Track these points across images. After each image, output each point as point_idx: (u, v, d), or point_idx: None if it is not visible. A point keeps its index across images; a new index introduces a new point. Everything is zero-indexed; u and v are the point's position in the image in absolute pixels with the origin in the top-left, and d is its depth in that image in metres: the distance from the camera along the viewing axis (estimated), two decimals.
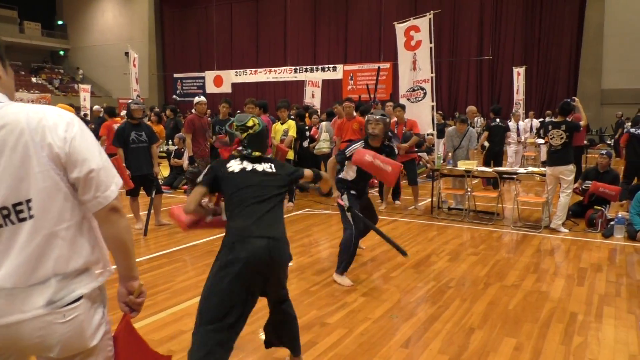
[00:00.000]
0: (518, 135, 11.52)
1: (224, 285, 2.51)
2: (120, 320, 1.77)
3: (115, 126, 7.70)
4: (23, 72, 34.41)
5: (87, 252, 1.59)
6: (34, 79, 34.02)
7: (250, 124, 2.92)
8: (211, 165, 2.89)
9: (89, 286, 1.60)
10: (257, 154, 2.88)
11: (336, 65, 23.58)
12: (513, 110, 13.92)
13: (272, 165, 2.88)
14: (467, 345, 3.39)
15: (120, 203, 1.62)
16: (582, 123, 7.06)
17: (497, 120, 10.08)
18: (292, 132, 8.51)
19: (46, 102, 17.91)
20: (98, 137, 12.98)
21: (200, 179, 2.81)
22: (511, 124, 11.55)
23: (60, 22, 36.93)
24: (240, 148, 2.91)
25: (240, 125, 2.93)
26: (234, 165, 2.81)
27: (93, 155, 1.55)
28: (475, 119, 21.29)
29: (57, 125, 1.51)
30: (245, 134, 2.91)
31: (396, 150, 7.64)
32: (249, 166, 2.81)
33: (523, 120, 12.92)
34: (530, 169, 7.96)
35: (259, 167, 2.82)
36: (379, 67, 14.16)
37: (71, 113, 1.60)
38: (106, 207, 1.56)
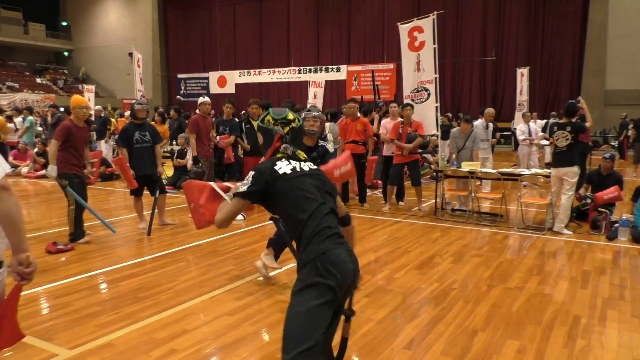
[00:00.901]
0: (529, 136, 11.26)
1: (315, 310, 2.17)
2: (14, 287, 2.02)
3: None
4: (28, 73, 34.54)
5: None
6: (38, 80, 34.13)
7: (291, 117, 2.62)
8: (255, 172, 2.43)
9: None
10: (301, 152, 2.56)
11: (340, 66, 23.60)
12: (524, 111, 13.68)
13: (313, 165, 2.55)
14: (470, 347, 3.39)
15: (8, 183, 1.87)
16: (587, 124, 7.04)
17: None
18: None
19: (50, 102, 17.98)
20: (101, 136, 13.06)
21: (244, 189, 2.39)
22: (522, 126, 11.35)
23: (64, 23, 37.06)
24: (284, 146, 2.55)
25: (280, 119, 2.62)
26: (284, 167, 2.41)
27: None
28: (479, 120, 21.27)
29: None
30: (288, 128, 2.60)
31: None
32: (297, 166, 2.45)
33: (535, 121, 12.49)
34: (534, 170, 7.93)
35: (305, 167, 2.47)
36: (372, 71, 14.14)
37: None
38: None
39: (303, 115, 4.43)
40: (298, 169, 2.42)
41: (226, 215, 2.44)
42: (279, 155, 2.54)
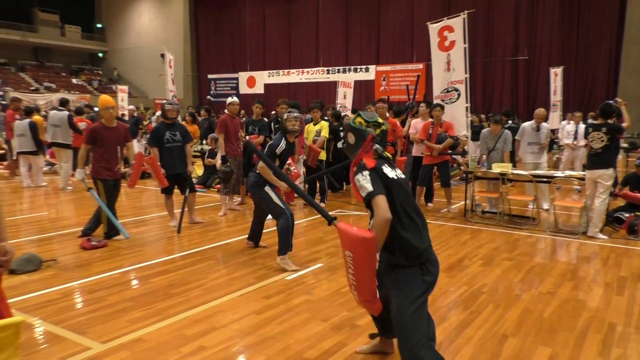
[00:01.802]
0: (575, 139, 10.47)
1: (423, 304, 2.62)
2: None
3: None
4: (64, 74, 35.57)
5: None
6: (74, 80, 35.10)
7: (380, 120, 2.80)
8: (370, 172, 2.58)
9: None
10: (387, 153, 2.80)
11: (369, 66, 23.50)
12: (571, 113, 12.91)
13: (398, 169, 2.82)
14: (500, 352, 3.32)
15: None
16: (624, 125, 6.83)
17: (510, 122, 9.84)
18: (325, 133, 8.53)
19: (85, 102, 18.50)
20: (133, 135, 13.32)
21: (372, 188, 2.53)
22: (570, 127, 10.87)
23: (99, 25, 38.02)
24: (376, 146, 2.75)
25: (372, 121, 2.79)
26: (388, 171, 2.67)
27: None
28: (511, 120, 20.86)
29: None
30: (379, 131, 2.78)
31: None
32: (396, 173, 2.71)
33: (582, 123, 11.61)
34: (567, 172, 7.74)
35: (399, 173, 2.75)
36: (418, 75, 13.91)
37: None
38: None
39: (285, 116, 5.19)
40: (396, 177, 2.69)
41: (384, 211, 2.51)
42: (375, 154, 2.74)
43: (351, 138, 2.82)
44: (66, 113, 10.70)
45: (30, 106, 11.78)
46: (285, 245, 5.01)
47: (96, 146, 5.95)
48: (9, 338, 1.65)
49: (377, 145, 2.75)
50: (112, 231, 6.07)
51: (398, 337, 2.63)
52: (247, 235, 5.94)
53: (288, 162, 5.61)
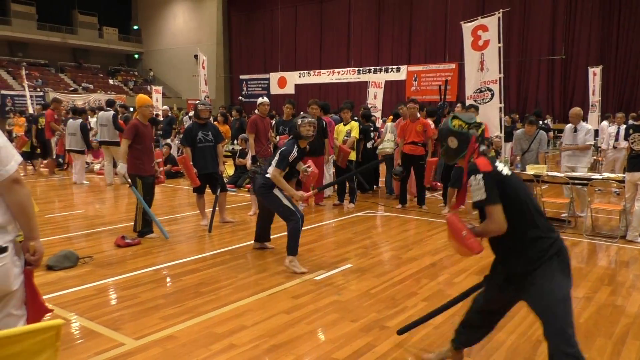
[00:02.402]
0: (617, 140, 9.89)
1: (569, 296, 2.59)
2: (25, 272, 2.16)
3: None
4: (101, 75, 36.57)
5: (1, 215, 2.01)
6: (111, 81, 36.05)
7: (478, 121, 2.82)
8: (484, 175, 2.54)
9: (6, 239, 2.02)
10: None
11: (400, 66, 23.35)
12: (617, 113, 12.41)
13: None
14: (534, 358, 3.25)
15: (20, 176, 2.04)
16: None
17: (540, 122, 9.56)
18: (355, 133, 8.51)
19: (121, 102, 19.00)
20: (167, 135, 13.61)
21: (486, 196, 2.52)
22: (612, 128, 10.43)
23: (135, 27, 38.92)
24: (483, 147, 2.79)
25: (472, 123, 2.78)
26: (503, 168, 2.63)
27: None
28: (547, 121, 20.37)
29: None
30: (480, 130, 2.78)
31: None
32: (509, 170, 2.68)
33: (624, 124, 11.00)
34: (605, 174, 7.51)
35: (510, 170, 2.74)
36: (446, 80, 13.81)
37: None
38: (8, 179, 1.97)
39: (299, 121, 5.04)
40: (510, 171, 2.64)
41: (499, 221, 2.54)
42: (484, 154, 2.71)
43: (453, 142, 2.79)
44: (112, 113, 11.04)
45: (82, 107, 12.24)
46: (294, 246, 4.94)
47: (135, 143, 6.09)
48: (49, 340, 1.70)
49: (483, 146, 2.76)
50: (145, 229, 6.20)
51: (558, 333, 2.49)
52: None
53: (307, 164, 5.54)
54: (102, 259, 5.37)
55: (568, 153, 7.67)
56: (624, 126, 9.63)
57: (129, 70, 39.27)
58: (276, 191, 4.94)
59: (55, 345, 1.71)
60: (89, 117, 13.65)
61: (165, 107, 15.76)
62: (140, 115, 6.24)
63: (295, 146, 5.02)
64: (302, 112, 6.00)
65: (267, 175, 4.95)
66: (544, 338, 2.60)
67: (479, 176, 2.54)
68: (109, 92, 31.90)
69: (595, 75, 16.07)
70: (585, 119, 11.79)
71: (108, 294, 4.40)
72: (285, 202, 4.93)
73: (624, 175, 6.59)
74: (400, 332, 3.39)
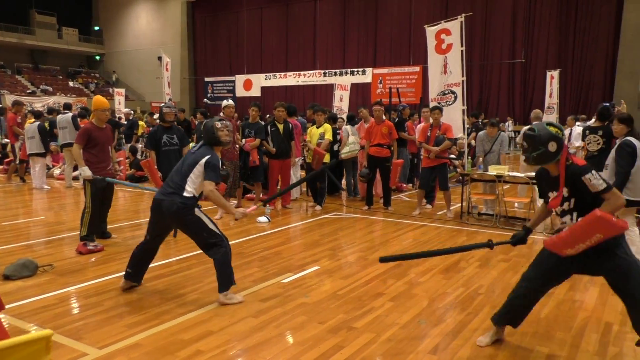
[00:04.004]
0: (569, 141, 10.53)
1: None
2: None
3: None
4: (61, 77, 35.55)
5: None
6: (71, 83, 35.08)
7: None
8: (593, 170, 2.99)
9: None
10: None
11: (365, 69, 23.55)
12: (574, 115, 12.84)
13: None
14: (497, 353, 3.33)
15: None
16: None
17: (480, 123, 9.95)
18: (328, 136, 8.55)
19: (82, 104, 18.48)
20: (129, 139, 13.34)
21: (607, 183, 2.96)
22: (566, 131, 10.78)
23: (96, 28, 38.02)
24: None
25: (560, 128, 3.13)
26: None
27: None
28: (507, 123, 20.93)
29: None
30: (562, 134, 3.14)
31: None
32: None
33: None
34: None
35: None
36: (396, 88, 14.03)
37: None
38: None
39: (218, 125, 4.19)
40: None
41: (622, 196, 3.01)
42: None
43: (553, 147, 3.09)
44: (70, 114, 10.75)
45: (39, 110, 11.88)
46: (227, 279, 4.12)
47: (88, 147, 5.85)
48: (39, 352, 1.62)
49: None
50: (91, 234, 5.88)
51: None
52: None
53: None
54: (63, 266, 5.22)
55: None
56: (575, 128, 10.06)
57: (89, 72, 38.30)
58: (198, 212, 4.09)
59: (47, 358, 1.64)
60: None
61: (127, 109, 15.43)
62: (96, 118, 5.98)
63: (213, 152, 4.19)
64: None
65: (187, 194, 4.04)
66: (625, 304, 3.12)
67: (593, 171, 2.98)
68: (68, 95, 31.03)
69: (553, 79, 16.62)
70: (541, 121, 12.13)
71: (70, 303, 4.28)
72: (210, 225, 4.10)
73: None
74: (382, 259, 3.65)
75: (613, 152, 5.31)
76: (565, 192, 3.12)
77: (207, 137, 4.21)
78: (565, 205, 3.15)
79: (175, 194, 4.06)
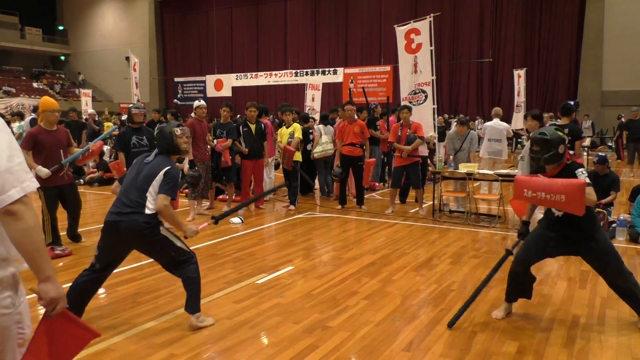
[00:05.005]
0: None
1: None
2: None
3: None
4: (24, 78, 34.51)
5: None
6: (35, 84, 34.09)
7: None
8: (585, 168, 3.54)
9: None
10: None
11: (337, 69, 23.62)
12: (549, 113, 13.25)
13: None
14: (469, 348, 3.38)
15: (22, 207, 1.64)
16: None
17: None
18: (298, 134, 8.53)
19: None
20: (92, 140, 13.03)
21: (588, 181, 3.50)
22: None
23: (60, 28, 37.06)
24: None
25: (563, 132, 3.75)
26: None
27: None
28: (477, 121, 21.30)
29: None
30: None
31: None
32: None
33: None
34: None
35: None
36: (362, 88, 14.14)
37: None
38: (4, 209, 1.61)
39: (177, 131, 3.72)
40: None
41: (593, 202, 3.57)
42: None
43: (562, 149, 3.57)
44: (29, 118, 10.45)
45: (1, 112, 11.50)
46: (199, 300, 3.70)
47: (35, 151, 5.48)
48: None
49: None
50: (57, 239, 5.73)
51: (616, 263, 3.63)
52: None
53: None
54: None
55: (489, 149, 8.32)
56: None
57: (54, 73, 37.30)
58: (163, 230, 3.62)
59: None
60: (11, 122, 12.90)
61: (92, 110, 15.06)
62: (45, 120, 5.57)
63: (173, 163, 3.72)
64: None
65: (148, 212, 3.51)
66: (608, 283, 3.73)
67: (583, 169, 3.58)
68: (32, 96, 30.14)
69: (520, 78, 16.99)
70: (510, 119, 12.44)
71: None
72: (177, 242, 3.69)
73: None
74: (451, 324, 3.74)
75: (527, 145, 5.59)
76: None
77: (165, 144, 3.69)
78: None
79: (135, 213, 3.48)
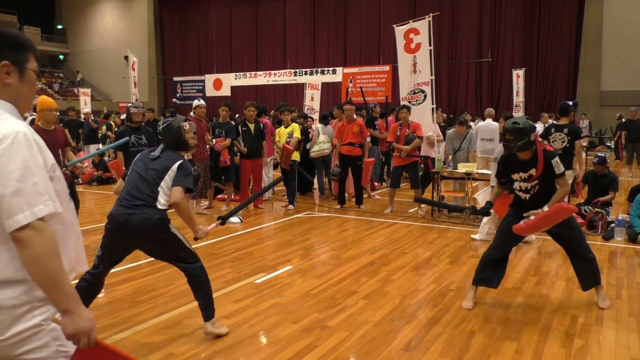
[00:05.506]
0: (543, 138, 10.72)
1: None
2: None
3: None
4: None
5: (9, 268, 1.52)
6: None
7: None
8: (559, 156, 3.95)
9: (9, 297, 1.52)
10: None
11: (336, 68, 23.61)
12: (542, 113, 13.28)
13: None
14: (468, 348, 3.39)
15: (29, 233, 1.46)
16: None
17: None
18: (297, 134, 8.53)
19: None
20: (90, 140, 13.03)
21: (563, 169, 3.93)
22: (538, 126, 11.09)
23: (59, 27, 36.99)
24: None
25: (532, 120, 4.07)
26: None
27: (5, 180, 1.46)
28: (476, 121, 21.29)
29: None
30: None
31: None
32: None
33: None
34: None
35: None
36: (361, 88, 14.12)
37: (16, 128, 1.55)
38: (11, 234, 1.47)
39: (186, 126, 3.64)
40: None
41: (569, 189, 4.39)
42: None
43: (533, 136, 3.85)
44: (30, 118, 10.44)
45: None
46: (211, 303, 3.53)
47: None
48: None
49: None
50: None
51: (582, 244, 4.09)
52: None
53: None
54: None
55: (482, 148, 8.32)
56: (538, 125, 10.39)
57: (53, 72, 37.24)
58: (173, 229, 3.43)
59: None
60: None
61: (88, 110, 15.03)
62: (42, 120, 5.52)
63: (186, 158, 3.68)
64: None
65: (161, 207, 3.34)
66: (570, 255, 4.16)
67: (557, 158, 3.88)
68: None
69: (518, 77, 17.00)
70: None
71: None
72: (186, 243, 3.48)
73: None
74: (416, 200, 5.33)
75: (501, 145, 6.03)
76: (533, 172, 3.92)
77: (172, 139, 3.56)
78: (531, 183, 3.97)
79: (147, 207, 3.29)
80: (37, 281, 1.51)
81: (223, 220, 3.74)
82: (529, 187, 3.98)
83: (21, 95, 1.70)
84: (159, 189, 3.35)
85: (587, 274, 4.07)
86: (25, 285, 1.55)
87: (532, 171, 3.92)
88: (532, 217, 3.83)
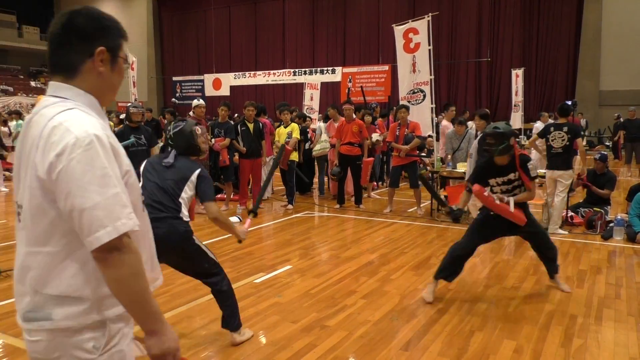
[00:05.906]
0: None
1: None
2: None
3: None
4: (22, 77, 34.44)
5: (70, 284, 1.37)
6: (32, 83, 34.01)
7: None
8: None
9: (63, 315, 1.37)
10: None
11: (335, 68, 23.61)
12: (540, 112, 13.32)
13: None
14: (467, 347, 3.39)
15: (113, 253, 1.31)
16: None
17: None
18: (296, 134, 8.54)
19: None
20: None
21: (536, 174, 4.04)
22: (538, 125, 11.05)
23: None
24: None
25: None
26: None
27: (82, 191, 1.29)
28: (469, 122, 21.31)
29: (53, 145, 1.30)
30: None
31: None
32: None
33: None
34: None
35: None
36: (362, 87, 14.14)
37: (91, 131, 1.34)
38: (93, 252, 1.32)
39: (198, 130, 3.48)
40: None
41: (535, 194, 4.50)
42: None
43: (512, 140, 4.01)
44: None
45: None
46: (237, 314, 3.46)
47: None
48: None
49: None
50: None
51: (545, 238, 4.47)
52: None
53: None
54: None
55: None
56: (536, 124, 10.38)
57: None
58: (197, 239, 3.36)
59: None
60: (8, 121, 12.88)
61: None
62: None
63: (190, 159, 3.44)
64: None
65: (185, 218, 3.26)
66: (536, 250, 4.52)
67: (533, 161, 4.06)
68: (30, 95, 30.08)
69: (517, 77, 16.98)
70: (508, 118, 12.47)
71: None
72: (210, 253, 3.41)
73: (544, 171, 6.99)
74: (420, 178, 5.73)
75: (476, 142, 6.43)
76: (513, 176, 4.17)
77: (185, 144, 3.38)
78: (508, 187, 4.23)
79: (172, 218, 3.17)
80: (122, 302, 1.39)
81: (254, 212, 3.65)
82: (510, 188, 4.24)
83: (110, 86, 1.52)
84: (180, 200, 3.24)
85: (551, 263, 4.53)
86: (85, 304, 1.40)
87: (511, 175, 4.18)
88: (497, 201, 4.13)
